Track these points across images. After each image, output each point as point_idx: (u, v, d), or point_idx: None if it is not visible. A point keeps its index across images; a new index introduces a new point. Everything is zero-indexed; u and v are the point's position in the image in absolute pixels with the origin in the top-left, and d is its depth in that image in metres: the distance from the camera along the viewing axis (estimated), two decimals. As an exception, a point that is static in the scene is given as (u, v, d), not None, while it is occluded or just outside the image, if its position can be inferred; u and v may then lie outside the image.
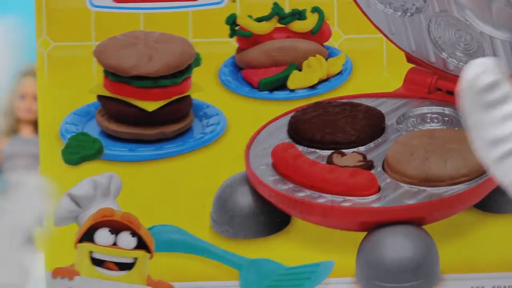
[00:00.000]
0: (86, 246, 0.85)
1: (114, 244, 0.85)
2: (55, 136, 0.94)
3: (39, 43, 0.95)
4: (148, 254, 0.86)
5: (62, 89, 0.93)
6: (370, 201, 0.85)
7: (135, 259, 0.85)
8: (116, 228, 0.86)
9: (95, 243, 0.84)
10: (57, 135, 0.94)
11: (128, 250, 0.84)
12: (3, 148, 2.42)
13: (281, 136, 0.91)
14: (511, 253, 0.87)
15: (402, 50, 0.91)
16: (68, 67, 0.94)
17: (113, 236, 0.85)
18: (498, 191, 0.84)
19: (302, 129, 0.89)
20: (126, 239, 0.85)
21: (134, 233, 0.86)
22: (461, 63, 0.89)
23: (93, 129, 0.94)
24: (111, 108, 0.93)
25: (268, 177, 0.88)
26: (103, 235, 0.85)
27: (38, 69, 0.98)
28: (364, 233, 0.85)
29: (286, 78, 0.92)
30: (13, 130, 2.36)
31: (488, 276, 0.86)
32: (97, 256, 0.85)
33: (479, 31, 0.87)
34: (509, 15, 0.84)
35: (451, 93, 0.90)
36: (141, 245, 0.85)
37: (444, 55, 0.90)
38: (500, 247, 0.87)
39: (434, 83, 0.91)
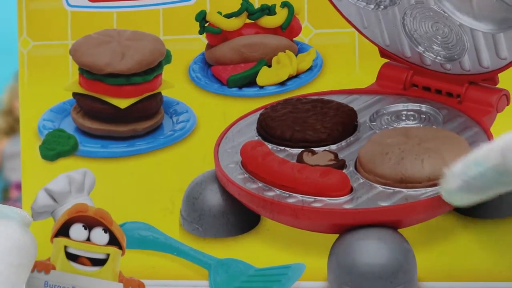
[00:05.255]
0: (62, 240, 0.56)
1: (88, 239, 0.57)
2: (34, 132, 0.62)
3: (20, 43, 0.63)
4: (120, 251, 0.56)
5: (41, 86, 0.62)
6: (342, 202, 0.51)
7: (108, 255, 0.56)
8: (90, 223, 0.57)
9: (70, 238, 0.57)
10: (36, 132, 0.62)
11: (101, 246, 0.57)
12: (3, 148, 2.09)
13: (250, 133, 0.57)
14: (494, 261, 0.51)
15: (376, 44, 0.56)
16: (46, 66, 0.62)
17: (86, 231, 0.57)
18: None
19: (271, 127, 0.55)
20: (99, 235, 0.57)
21: (106, 229, 0.57)
22: (438, 57, 0.54)
23: (69, 126, 0.62)
24: (86, 105, 0.61)
25: (237, 176, 0.54)
26: (77, 230, 0.57)
27: (19, 68, 0.74)
28: (336, 235, 0.52)
29: (255, 74, 0.58)
30: (13, 130, 2.03)
31: (468, 285, 0.51)
32: (72, 251, 0.57)
33: (458, 23, 0.51)
34: (491, 5, 0.49)
35: (428, 89, 0.56)
36: (113, 241, 0.57)
37: (420, 49, 0.55)
38: (483, 254, 0.52)
39: (409, 78, 0.56)
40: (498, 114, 0.54)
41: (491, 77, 0.53)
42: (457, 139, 0.53)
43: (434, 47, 0.55)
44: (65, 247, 0.58)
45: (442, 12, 0.53)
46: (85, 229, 0.59)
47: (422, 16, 0.55)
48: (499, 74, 0.53)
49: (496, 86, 0.54)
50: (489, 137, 0.53)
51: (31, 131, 0.64)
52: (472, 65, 0.54)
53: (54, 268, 0.58)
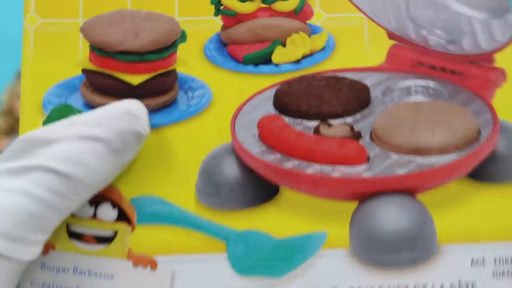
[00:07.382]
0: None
1: (94, 216, 0.53)
2: (37, 108, 0.59)
3: (26, 20, 0.59)
4: (129, 227, 0.53)
5: (47, 63, 0.59)
6: (360, 170, 0.53)
7: (115, 232, 0.54)
8: (96, 199, 0.53)
9: (73, 215, 0.52)
10: (39, 107, 0.59)
11: (108, 222, 0.53)
12: (3, 148, 1.98)
13: (266, 108, 0.57)
14: (509, 222, 0.54)
15: (383, 28, 0.59)
16: (54, 42, 0.59)
17: (92, 208, 0.53)
18: (489, 161, 0.53)
19: (287, 102, 0.57)
20: (106, 211, 0.54)
21: (114, 205, 0.54)
22: (441, 40, 0.59)
23: (76, 101, 0.59)
24: (96, 82, 0.59)
25: (255, 148, 0.55)
26: (82, 207, 0.53)
27: (24, 44, 0.60)
28: (355, 203, 0.53)
29: (270, 54, 0.58)
30: (13, 130, 1.93)
31: (489, 246, 0.53)
32: (75, 229, 0.53)
33: (456, 11, 0.57)
34: (486, -4, 0.54)
35: (433, 67, 0.60)
36: (122, 217, 0.54)
37: (424, 32, 0.59)
38: (498, 216, 0.54)
39: (416, 58, 0.60)
40: (497, 89, 0.59)
41: (488, 57, 0.58)
42: (463, 111, 0.57)
43: (436, 31, 0.59)
44: (68, 225, 0.54)
45: (441, 1, 0.57)
46: (91, 205, 0.54)
47: (423, 3, 0.59)
48: (495, 55, 0.58)
49: (494, 65, 0.59)
50: (491, 109, 0.58)
51: (34, 107, 0.61)
52: (471, 47, 0.59)
53: (53, 248, 0.54)
